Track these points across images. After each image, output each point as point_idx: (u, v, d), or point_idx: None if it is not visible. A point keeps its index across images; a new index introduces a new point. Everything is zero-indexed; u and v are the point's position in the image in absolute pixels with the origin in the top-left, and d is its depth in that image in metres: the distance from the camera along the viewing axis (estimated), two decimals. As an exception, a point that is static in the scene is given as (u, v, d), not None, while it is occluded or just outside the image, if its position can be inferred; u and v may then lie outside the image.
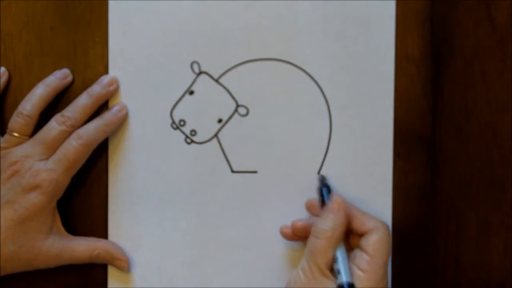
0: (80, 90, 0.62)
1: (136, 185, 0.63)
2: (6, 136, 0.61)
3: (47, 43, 0.63)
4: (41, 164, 0.59)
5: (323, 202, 0.60)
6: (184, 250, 0.64)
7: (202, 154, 0.63)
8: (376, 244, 0.57)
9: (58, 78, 0.62)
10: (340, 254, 0.57)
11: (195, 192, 0.63)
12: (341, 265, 0.57)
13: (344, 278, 0.56)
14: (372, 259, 0.57)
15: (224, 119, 0.63)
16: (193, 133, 0.63)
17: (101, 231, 0.63)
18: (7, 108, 0.63)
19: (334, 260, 0.57)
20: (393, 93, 0.63)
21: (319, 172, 0.63)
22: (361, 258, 0.57)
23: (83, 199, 0.63)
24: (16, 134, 0.60)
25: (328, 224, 0.58)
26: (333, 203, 0.59)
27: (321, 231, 0.58)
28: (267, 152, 0.63)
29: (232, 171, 0.63)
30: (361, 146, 0.63)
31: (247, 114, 0.63)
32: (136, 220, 0.63)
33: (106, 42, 0.63)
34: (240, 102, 0.63)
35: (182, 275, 0.64)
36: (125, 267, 0.63)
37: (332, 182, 0.63)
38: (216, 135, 0.63)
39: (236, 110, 0.63)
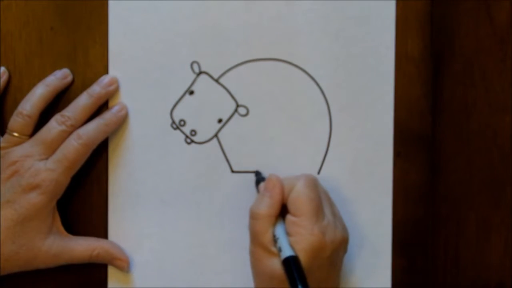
0: (80, 90, 0.62)
1: (136, 185, 0.63)
2: (6, 136, 0.61)
3: (47, 43, 0.63)
4: (41, 164, 0.59)
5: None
6: (184, 250, 0.64)
7: (202, 154, 0.63)
8: (294, 202, 0.58)
9: (58, 78, 0.62)
10: (280, 230, 0.57)
11: (195, 192, 0.63)
12: (282, 241, 0.57)
13: (285, 253, 0.56)
14: (295, 218, 0.57)
15: (224, 119, 0.63)
16: (193, 133, 0.63)
17: (101, 231, 0.63)
18: (7, 108, 0.63)
19: (275, 238, 0.57)
20: (393, 93, 0.63)
21: (319, 172, 0.63)
22: (288, 222, 0.57)
23: (83, 199, 0.63)
24: (16, 134, 0.60)
25: (263, 203, 0.58)
26: (267, 182, 0.59)
27: (257, 211, 0.58)
28: (267, 152, 0.63)
29: (232, 171, 0.63)
30: (361, 146, 0.63)
31: (247, 114, 0.63)
32: (136, 220, 0.63)
33: (106, 42, 0.63)
34: (240, 102, 0.63)
35: (182, 275, 0.64)
36: (125, 267, 0.63)
37: (332, 182, 0.63)
38: (216, 135, 0.63)
39: (236, 110, 0.63)
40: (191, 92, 0.63)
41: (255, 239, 0.58)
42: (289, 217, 0.58)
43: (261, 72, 0.63)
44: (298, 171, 0.63)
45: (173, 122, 0.63)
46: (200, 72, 0.63)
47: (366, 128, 0.63)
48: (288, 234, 0.57)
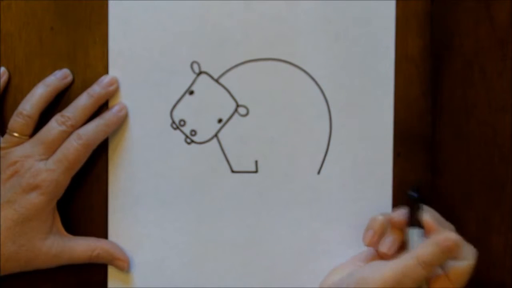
0: (80, 90, 0.62)
1: (136, 185, 0.63)
2: (6, 136, 0.61)
3: (47, 43, 0.63)
4: (41, 164, 0.59)
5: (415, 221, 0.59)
6: (184, 250, 0.64)
7: (202, 154, 0.63)
8: (461, 273, 0.57)
9: (58, 78, 0.62)
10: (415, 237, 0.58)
11: (195, 192, 0.63)
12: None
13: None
14: (452, 286, 0.56)
15: (224, 119, 0.63)
16: (193, 133, 0.63)
17: (101, 231, 0.63)
18: (7, 108, 0.63)
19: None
20: (393, 93, 0.63)
21: (319, 172, 0.63)
22: (442, 282, 0.56)
23: (83, 199, 0.63)
24: (16, 134, 0.60)
25: (436, 259, 0.55)
26: (446, 241, 0.55)
27: (428, 263, 0.55)
28: (267, 152, 0.63)
29: (232, 171, 0.63)
30: (361, 146, 0.63)
31: (247, 114, 0.63)
32: (136, 220, 0.63)
33: (106, 42, 0.63)
34: (240, 102, 0.63)
35: (182, 275, 0.64)
36: (125, 267, 0.63)
37: (332, 182, 0.63)
38: (216, 135, 0.63)
39: (236, 110, 0.63)
40: (191, 92, 0.63)
41: (404, 283, 0.54)
42: (444, 279, 0.56)
43: (261, 72, 0.63)
44: (298, 171, 0.63)
45: (173, 122, 0.63)
46: (200, 72, 0.63)
47: (366, 128, 0.63)
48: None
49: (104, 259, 0.62)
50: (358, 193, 0.63)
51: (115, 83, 0.63)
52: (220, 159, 0.63)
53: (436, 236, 0.56)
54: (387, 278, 0.55)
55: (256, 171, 0.63)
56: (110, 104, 0.63)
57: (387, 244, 0.60)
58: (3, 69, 0.63)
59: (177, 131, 0.63)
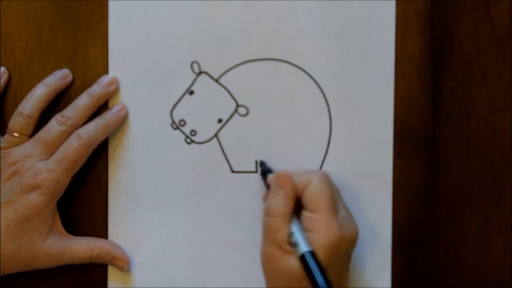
0: (80, 90, 0.62)
1: (136, 185, 0.63)
2: (6, 136, 0.61)
3: (47, 43, 0.63)
4: (41, 164, 0.59)
5: (268, 186, 0.61)
6: (184, 250, 0.64)
7: (202, 154, 0.63)
8: (311, 198, 0.57)
9: (58, 78, 0.62)
10: (295, 227, 0.57)
11: (195, 192, 0.63)
12: (297, 236, 0.56)
13: (302, 248, 0.56)
14: (314, 214, 0.57)
15: (224, 119, 0.63)
16: (193, 133, 0.63)
17: (101, 231, 0.63)
18: (7, 108, 0.63)
19: (290, 234, 0.57)
20: (393, 93, 0.63)
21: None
22: (305, 218, 0.57)
23: (83, 199, 0.63)
24: (16, 134, 0.60)
25: (278, 201, 0.58)
26: (279, 179, 0.59)
27: (273, 209, 0.58)
28: (267, 152, 0.63)
29: (232, 171, 0.63)
30: (361, 146, 0.63)
31: (247, 114, 0.63)
32: (136, 220, 0.63)
33: (106, 42, 0.63)
34: (240, 102, 0.63)
35: (182, 275, 0.64)
36: (125, 267, 0.63)
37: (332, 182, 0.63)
38: (216, 135, 0.63)
39: (236, 110, 0.63)
40: (191, 92, 0.63)
41: (269, 237, 0.58)
42: (306, 213, 0.57)
43: (261, 72, 0.63)
44: (298, 171, 0.63)
45: (173, 122, 0.63)
46: (200, 72, 0.63)
47: (366, 128, 0.63)
48: (306, 230, 0.57)
49: (104, 259, 0.62)
50: (358, 193, 0.63)
51: (115, 83, 0.63)
52: (220, 159, 0.63)
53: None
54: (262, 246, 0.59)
55: (256, 171, 0.63)
56: (110, 104, 0.63)
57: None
58: (3, 69, 0.63)
59: (177, 131, 0.63)
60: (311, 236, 0.56)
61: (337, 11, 0.63)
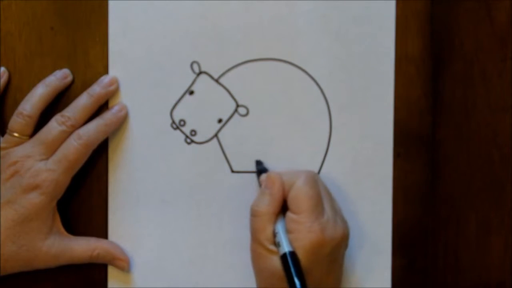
0: (80, 90, 0.62)
1: (136, 185, 0.63)
2: (6, 136, 0.61)
3: (47, 43, 0.63)
4: (41, 164, 0.59)
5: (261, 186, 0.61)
6: (184, 250, 0.64)
7: (202, 154, 0.63)
8: (294, 199, 0.58)
9: (58, 78, 0.62)
10: (279, 227, 0.57)
11: (195, 192, 0.63)
12: (280, 237, 0.57)
13: (284, 249, 0.56)
14: (295, 215, 0.57)
15: (224, 119, 0.63)
16: (193, 133, 0.63)
17: (101, 231, 0.63)
18: (7, 108, 0.63)
19: (275, 234, 0.57)
20: (393, 93, 0.63)
21: (319, 172, 0.63)
22: (288, 219, 0.58)
23: (83, 199, 0.63)
24: (16, 134, 0.60)
25: (263, 201, 0.59)
26: (267, 180, 0.59)
27: (257, 208, 0.59)
28: (267, 152, 0.63)
29: (232, 171, 0.63)
30: (361, 146, 0.63)
31: (247, 114, 0.63)
32: (136, 220, 0.63)
33: (106, 42, 0.63)
34: (240, 102, 0.63)
35: (182, 275, 0.64)
36: (125, 267, 0.63)
37: (332, 182, 0.63)
38: (216, 135, 0.63)
39: (236, 110, 0.63)
40: (191, 92, 0.63)
41: (255, 236, 0.58)
42: (289, 214, 0.58)
43: (261, 72, 0.63)
44: (298, 171, 0.63)
45: (173, 122, 0.63)
46: (200, 72, 0.63)
47: (366, 128, 0.63)
48: (288, 231, 0.57)
49: (104, 259, 0.62)
50: (358, 193, 0.63)
51: (115, 83, 0.63)
52: (220, 159, 0.63)
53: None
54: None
55: (256, 171, 0.63)
56: (110, 104, 0.63)
57: None
58: (3, 69, 0.63)
59: (177, 131, 0.63)
60: (293, 237, 0.57)
61: (337, 11, 0.63)
